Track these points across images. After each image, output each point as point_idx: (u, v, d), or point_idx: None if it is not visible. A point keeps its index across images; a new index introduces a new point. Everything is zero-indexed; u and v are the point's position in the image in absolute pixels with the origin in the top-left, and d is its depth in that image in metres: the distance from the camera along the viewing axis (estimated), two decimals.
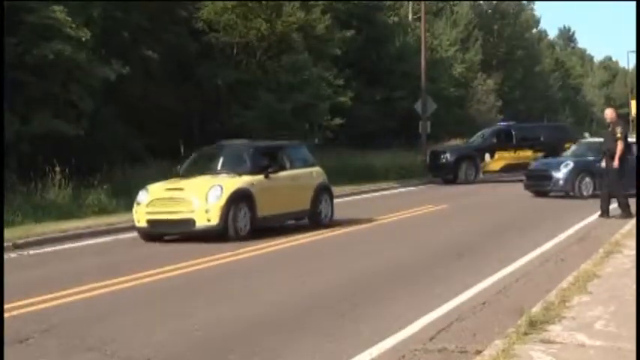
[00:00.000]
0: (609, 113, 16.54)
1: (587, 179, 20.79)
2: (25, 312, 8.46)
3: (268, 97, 31.21)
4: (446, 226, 16.04)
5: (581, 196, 20.45)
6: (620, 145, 15.63)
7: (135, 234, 15.10)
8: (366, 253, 12.60)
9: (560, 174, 21.16)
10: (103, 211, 19.25)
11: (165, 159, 24.97)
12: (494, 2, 68.28)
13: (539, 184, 22.22)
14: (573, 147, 24.48)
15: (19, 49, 20.77)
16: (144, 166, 23.64)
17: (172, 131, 32.27)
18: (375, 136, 41.44)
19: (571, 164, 21.23)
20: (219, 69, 32.05)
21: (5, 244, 13.92)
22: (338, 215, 17.03)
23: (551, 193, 21.55)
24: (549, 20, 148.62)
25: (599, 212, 15.92)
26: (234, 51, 33.89)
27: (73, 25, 20.75)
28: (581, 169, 20.99)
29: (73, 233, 15.53)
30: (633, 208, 15.16)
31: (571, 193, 20.85)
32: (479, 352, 6.13)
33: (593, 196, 19.32)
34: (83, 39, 21.06)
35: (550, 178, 21.51)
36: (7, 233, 15.11)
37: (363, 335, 7.09)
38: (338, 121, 33.90)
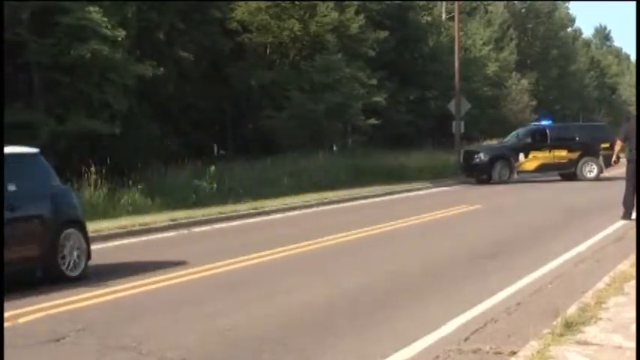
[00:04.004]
0: None
1: None
2: (61, 311, 8.54)
3: (301, 97, 31.25)
4: (480, 227, 15.94)
5: None
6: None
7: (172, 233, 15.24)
8: (399, 253, 12.56)
9: None
10: (137, 210, 19.36)
11: (199, 158, 25.09)
12: (529, 2, 67.74)
13: None
14: None
15: (55, 50, 20.98)
16: (178, 165, 23.75)
17: (206, 131, 32.47)
18: (408, 136, 41.35)
19: None
20: (253, 69, 32.15)
21: None
22: (366, 218, 17.03)
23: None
24: (584, 19, 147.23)
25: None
26: (267, 51, 33.97)
27: (109, 26, 20.93)
28: None
29: (108, 233, 15.64)
30: None
31: None
32: (513, 354, 6.08)
33: None
34: (119, 39, 21.23)
35: None
36: None
37: (396, 336, 7.06)
38: (373, 121, 33.88)
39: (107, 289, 9.64)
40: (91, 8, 20.84)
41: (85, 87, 21.78)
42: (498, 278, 9.70)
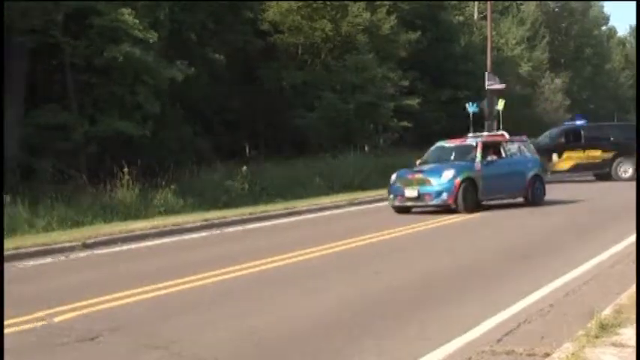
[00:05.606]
0: None
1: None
2: (95, 310, 8.61)
3: (332, 97, 31.26)
4: (513, 227, 15.83)
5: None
6: None
7: (204, 233, 15.31)
8: (430, 253, 12.51)
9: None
10: (169, 211, 19.48)
11: (231, 159, 25.15)
12: (562, 1, 67.15)
13: None
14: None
15: (88, 51, 21.15)
16: (210, 166, 23.86)
17: (237, 132, 32.56)
18: (440, 136, 41.14)
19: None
20: (284, 70, 32.20)
21: (74, 244, 14.22)
22: (397, 218, 17.05)
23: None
24: (619, 17, 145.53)
25: None
26: (299, 52, 34.01)
27: (141, 28, 21.06)
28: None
29: (140, 233, 15.75)
30: None
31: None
32: (547, 355, 6.02)
33: None
34: (151, 41, 21.35)
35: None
36: (77, 233, 15.44)
37: (428, 337, 7.02)
38: (405, 124, 33.82)
39: (140, 289, 9.70)
40: (124, 10, 20.98)
41: (118, 89, 21.95)
42: (531, 279, 9.61)
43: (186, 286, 9.96)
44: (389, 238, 14.53)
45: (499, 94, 25.98)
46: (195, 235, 16.19)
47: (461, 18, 48.59)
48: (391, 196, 19.35)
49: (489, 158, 19.62)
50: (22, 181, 19.42)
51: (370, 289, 9.48)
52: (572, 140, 29.76)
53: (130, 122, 21.92)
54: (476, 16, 51.43)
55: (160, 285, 9.93)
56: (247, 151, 34.21)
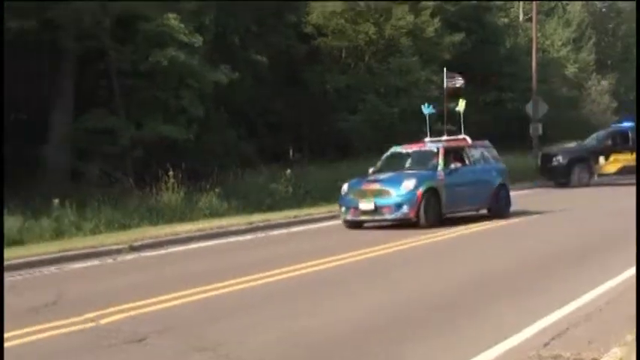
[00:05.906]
0: None
1: None
2: (142, 312, 8.70)
3: (376, 100, 31.21)
4: (559, 232, 15.66)
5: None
6: None
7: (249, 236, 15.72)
8: (474, 258, 12.43)
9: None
10: (214, 214, 19.60)
11: (275, 162, 25.22)
12: (609, 2, 66.21)
13: None
14: None
15: (134, 56, 21.40)
16: (254, 169, 23.96)
17: (281, 134, 32.64)
18: (485, 139, 40.84)
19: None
20: (328, 73, 32.23)
21: (121, 247, 14.40)
22: (449, 219, 17.06)
23: None
24: None
25: None
26: (343, 55, 34.01)
27: (186, 32, 21.27)
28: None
29: (186, 236, 15.89)
30: None
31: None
32: None
33: None
34: (196, 45, 21.54)
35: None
36: (124, 236, 15.62)
37: (473, 341, 6.98)
38: (450, 127, 33.64)
39: (186, 291, 9.78)
40: (170, 15, 21.19)
41: (162, 93, 22.16)
42: (578, 284, 9.50)
43: (232, 288, 10.03)
44: (432, 242, 14.47)
45: (459, 93, 24.65)
46: (240, 238, 16.30)
47: (506, 20, 48.21)
48: (343, 209, 17.31)
49: (452, 166, 17.74)
50: (70, 184, 19.72)
51: (413, 292, 9.45)
52: (620, 142, 29.29)
53: (175, 126, 22.13)
54: (521, 17, 51.01)
55: (206, 287, 10.01)
56: (291, 154, 34.26)
